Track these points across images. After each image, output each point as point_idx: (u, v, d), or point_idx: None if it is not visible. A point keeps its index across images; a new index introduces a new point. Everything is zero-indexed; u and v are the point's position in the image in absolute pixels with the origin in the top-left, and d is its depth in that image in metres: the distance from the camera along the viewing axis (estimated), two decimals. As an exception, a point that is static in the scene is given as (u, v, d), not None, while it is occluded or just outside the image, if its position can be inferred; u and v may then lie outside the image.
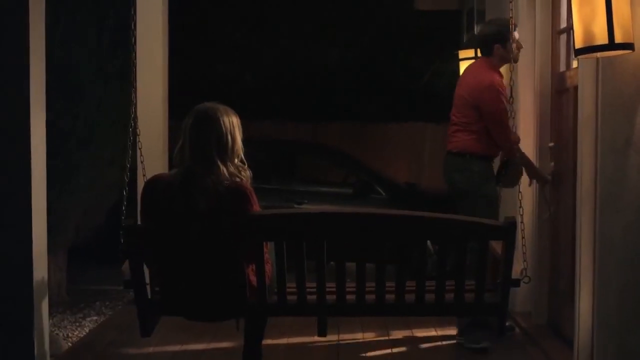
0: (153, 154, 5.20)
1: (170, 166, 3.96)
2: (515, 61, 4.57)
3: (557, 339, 4.94)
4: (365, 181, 8.90)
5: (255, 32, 11.84)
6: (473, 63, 5.30)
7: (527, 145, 5.31)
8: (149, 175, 3.73)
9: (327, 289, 3.51)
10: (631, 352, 3.55)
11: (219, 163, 3.45)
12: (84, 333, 6.24)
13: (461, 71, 6.57)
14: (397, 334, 5.24)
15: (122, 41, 6.76)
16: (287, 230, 3.49)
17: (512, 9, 4.08)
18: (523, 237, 3.69)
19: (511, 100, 4.11)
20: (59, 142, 6.47)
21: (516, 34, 4.77)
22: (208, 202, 3.41)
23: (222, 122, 3.49)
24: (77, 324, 6.68)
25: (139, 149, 4.04)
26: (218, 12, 11.65)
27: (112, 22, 6.90)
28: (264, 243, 3.52)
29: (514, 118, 4.21)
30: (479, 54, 5.19)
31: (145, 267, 3.60)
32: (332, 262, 3.49)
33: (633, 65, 3.51)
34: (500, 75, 4.82)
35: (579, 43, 3.48)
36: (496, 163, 4.90)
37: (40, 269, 4.03)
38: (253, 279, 3.51)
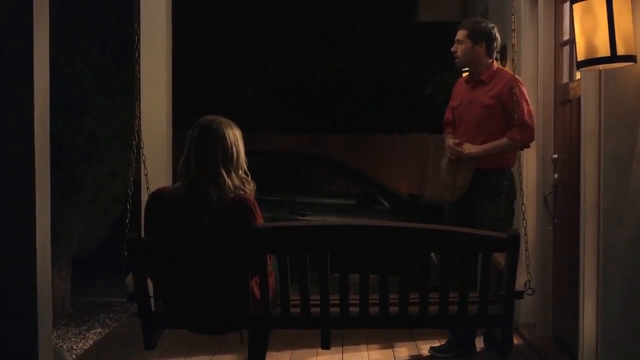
0: (157, 166, 5.21)
1: (174, 179, 3.97)
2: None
3: (562, 352, 4.93)
4: (369, 192, 8.89)
5: (258, 44, 11.87)
6: None
7: (531, 157, 5.32)
8: (152, 188, 3.74)
9: (331, 301, 3.51)
10: (635, 365, 3.54)
11: (225, 175, 3.46)
12: (88, 345, 6.23)
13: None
14: (401, 346, 5.23)
15: (124, 55, 6.79)
16: (291, 243, 3.49)
17: (514, 22, 4.09)
18: (526, 249, 3.69)
19: (514, 113, 4.17)
20: (62, 155, 6.49)
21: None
22: (212, 215, 3.41)
23: (227, 134, 3.51)
24: (81, 336, 6.67)
25: (143, 161, 4.04)
26: (221, 25, 11.68)
27: (115, 36, 6.93)
28: (268, 255, 3.53)
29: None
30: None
31: (149, 279, 3.60)
32: (335, 274, 3.49)
33: (635, 77, 3.52)
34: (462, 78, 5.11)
35: (581, 55, 3.49)
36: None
37: (44, 281, 4.03)
38: (257, 291, 3.51)
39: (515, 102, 4.13)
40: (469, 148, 4.71)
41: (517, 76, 4.75)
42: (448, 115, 5.06)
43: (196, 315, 3.58)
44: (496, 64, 4.96)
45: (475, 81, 4.86)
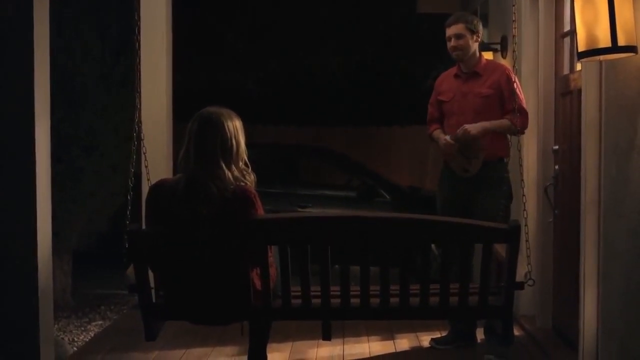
0: (157, 158, 5.21)
1: (175, 171, 3.97)
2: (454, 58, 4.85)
3: (562, 343, 4.93)
4: (369, 184, 8.90)
5: (259, 37, 11.87)
6: None
7: (531, 148, 5.32)
8: (153, 180, 3.74)
9: (332, 293, 3.51)
10: (635, 357, 3.54)
11: (224, 167, 3.46)
12: (89, 337, 6.26)
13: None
14: (402, 338, 5.24)
15: (125, 48, 6.79)
16: (291, 234, 3.50)
17: (514, 12, 4.09)
18: (527, 240, 3.70)
19: (515, 104, 4.23)
20: (62, 149, 6.50)
21: (447, 30, 4.84)
22: (213, 207, 3.41)
23: (226, 126, 3.51)
24: (82, 328, 6.70)
25: (143, 153, 4.04)
26: (221, 19, 11.68)
27: (116, 29, 6.93)
28: (268, 247, 3.53)
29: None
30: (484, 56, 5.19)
31: (149, 271, 3.61)
32: (336, 266, 3.49)
33: (636, 68, 3.51)
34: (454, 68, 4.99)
35: (582, 46, 3.49)
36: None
37: (45, 274, 4.04)
38: (257, 282, 3.51)
39: (513, 90, 4.21)
40: (471, 127, 4.67)
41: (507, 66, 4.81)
42: (433, 111, 5.02)
43: (197, 306, 3.58)
44: (484, 55, 4.99)
45: (467, 74, 4.85)
